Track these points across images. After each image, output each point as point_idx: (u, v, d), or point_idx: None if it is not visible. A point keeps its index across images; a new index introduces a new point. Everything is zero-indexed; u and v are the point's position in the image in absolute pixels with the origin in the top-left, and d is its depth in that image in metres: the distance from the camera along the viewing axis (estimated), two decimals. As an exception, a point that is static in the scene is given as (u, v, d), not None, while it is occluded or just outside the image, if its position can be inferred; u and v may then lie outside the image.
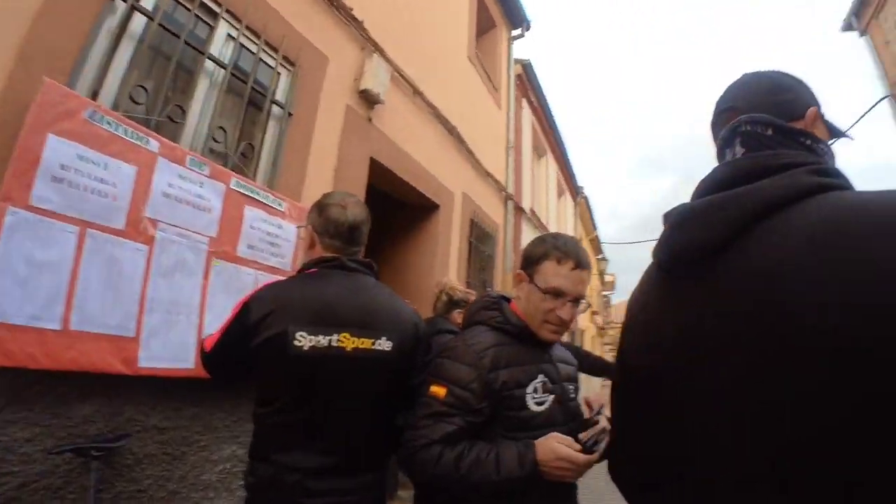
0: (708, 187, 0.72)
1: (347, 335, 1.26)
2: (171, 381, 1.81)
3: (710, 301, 0.64)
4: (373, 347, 1.29)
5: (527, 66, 7.47)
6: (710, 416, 0.61)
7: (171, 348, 1.84)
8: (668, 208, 0.78)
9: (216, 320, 1.88)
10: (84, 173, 1.66)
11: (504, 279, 6.26)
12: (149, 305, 1.80)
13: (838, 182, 0.61)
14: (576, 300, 1.28)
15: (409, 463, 1.17)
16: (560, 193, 11.19)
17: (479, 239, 5.73)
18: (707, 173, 0.76)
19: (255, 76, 2.53)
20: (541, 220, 8.39)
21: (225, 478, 1.93)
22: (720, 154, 0.80)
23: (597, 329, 20.88)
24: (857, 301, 0.47)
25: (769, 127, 0.73)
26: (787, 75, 0.82)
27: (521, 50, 8.02)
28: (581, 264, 1.28)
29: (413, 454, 1.16)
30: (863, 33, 8.83)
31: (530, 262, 1.32)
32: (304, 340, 1.21)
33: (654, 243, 0.79)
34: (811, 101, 0.78)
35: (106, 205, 1.71)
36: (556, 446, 1.10)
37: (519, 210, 7.07)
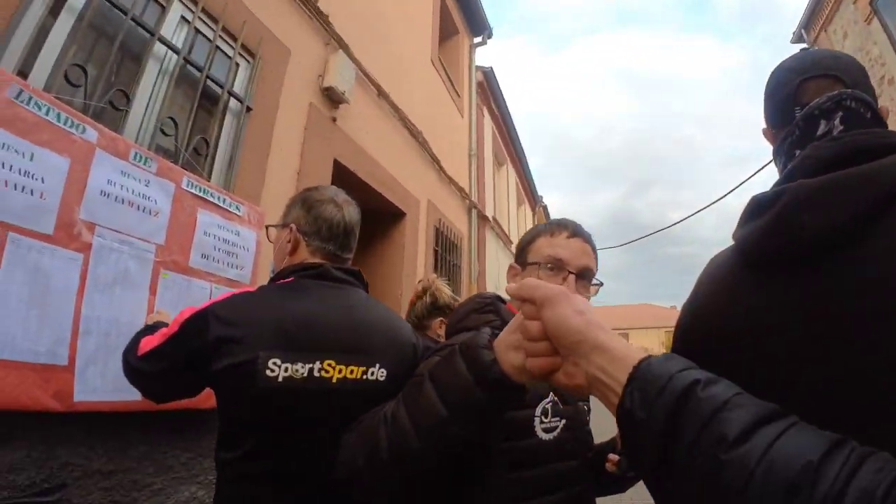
0: (815, 166, 0.65)
1: (332, 362, 1.05)
2: (114, 417, 1.49)
3: (853, 294, 0.55)
4: (364, 378, 1.08)
5: (487, 74, 7.44)
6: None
7: (113, 377, 1.52)
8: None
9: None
10: (5, 164, 1.33)
11: (470, 290, 6.11)
12: (84, 326, 1.49)
13: None
14: (581, 274, 1.04)
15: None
16: (520, 203, 11.24)
17: (445, 248, 5.56)
18: (800, 155, 0.70)
19: (211, 65, 2.25)
20: (503, 228, 8.33)
21: (183, 527, 1.64)
22: (809, 120, 0.74)
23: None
24: None
25: (869, 110, 0.72)
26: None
27: (482, 57, 8.01)
28: (578, 232, 1.09)
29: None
30: (812, 45, 9.13)
31: (522, 248, 1.14)
32: (278, 369, 1.00)
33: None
34: None
35: (32, 204, 1.38)
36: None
37: (483, 219, 6.97)
